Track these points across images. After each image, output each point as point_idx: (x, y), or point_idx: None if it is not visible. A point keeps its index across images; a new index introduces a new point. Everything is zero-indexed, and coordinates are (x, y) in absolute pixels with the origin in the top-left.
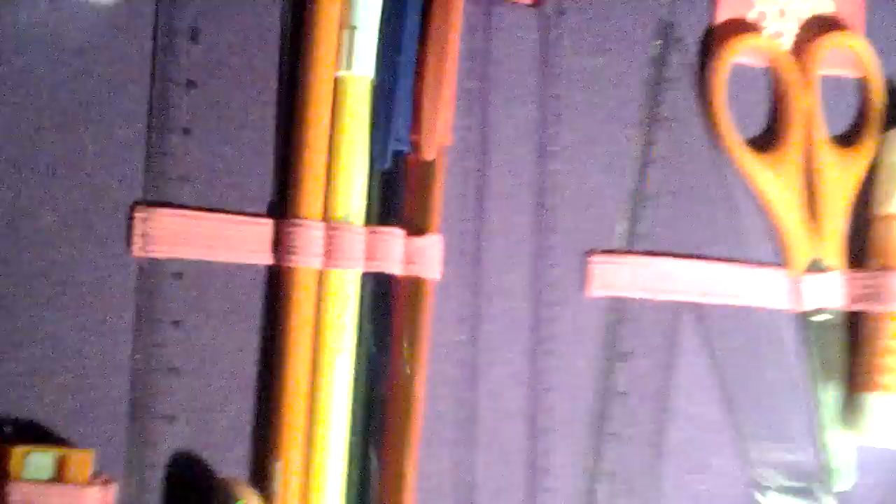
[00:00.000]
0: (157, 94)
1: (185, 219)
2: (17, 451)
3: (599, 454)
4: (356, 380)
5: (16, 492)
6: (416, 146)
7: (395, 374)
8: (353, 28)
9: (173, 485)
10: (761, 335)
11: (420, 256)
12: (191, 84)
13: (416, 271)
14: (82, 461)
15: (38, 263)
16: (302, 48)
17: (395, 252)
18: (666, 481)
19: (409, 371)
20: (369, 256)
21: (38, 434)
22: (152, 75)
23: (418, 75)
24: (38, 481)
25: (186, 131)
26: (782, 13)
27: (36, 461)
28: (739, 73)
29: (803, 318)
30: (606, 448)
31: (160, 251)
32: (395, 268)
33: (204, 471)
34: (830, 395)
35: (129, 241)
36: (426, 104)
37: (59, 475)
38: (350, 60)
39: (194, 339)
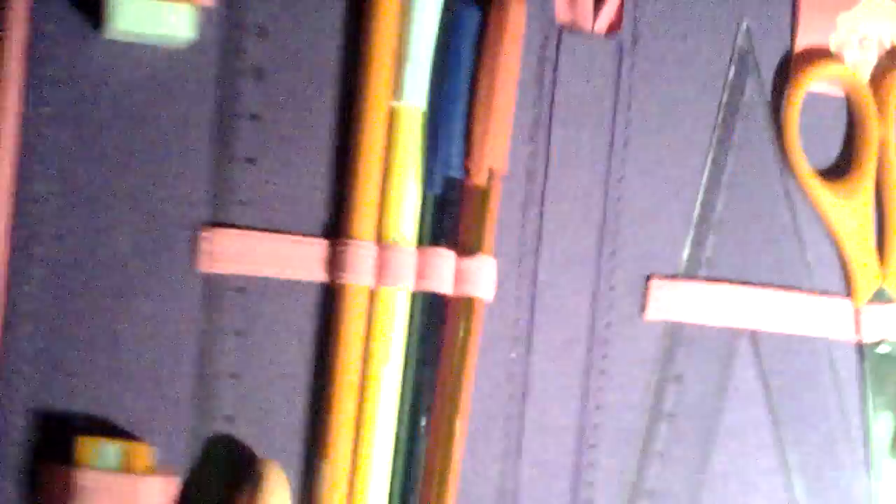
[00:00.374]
0: (223, 127)
1: (246, 239)
2: (87, 441)
3: (643, 472)
4: (404, 389)
5: (84, 478)
6: (469, 171)
7: (442, 386)
8: (406, 61)
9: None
10: (817, 364)
11: (470, 277)
12: (254, 118)
13: (466, 291)
14: (144, 454)
15: (115, 279)
16: (358, 80)
17: (445, 272)
18: (709, 502)
19: (454, 386)
20: (420, 276)
21: (113, 430)
22: (219, 111)
23: (472, 103)
24: (104, 470)
25: (250, 160)
26: (863, 41)
27: (103, 452)
28: (818, 100)
29: (863, 349)
30: (650, 466)
31: (223, 268)
32: (445, 287)
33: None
34: (884, 426)
35: (195, 258)
36: (476, 132)
37: (124, 465)
38: (402, 92)
39: (254, 348)
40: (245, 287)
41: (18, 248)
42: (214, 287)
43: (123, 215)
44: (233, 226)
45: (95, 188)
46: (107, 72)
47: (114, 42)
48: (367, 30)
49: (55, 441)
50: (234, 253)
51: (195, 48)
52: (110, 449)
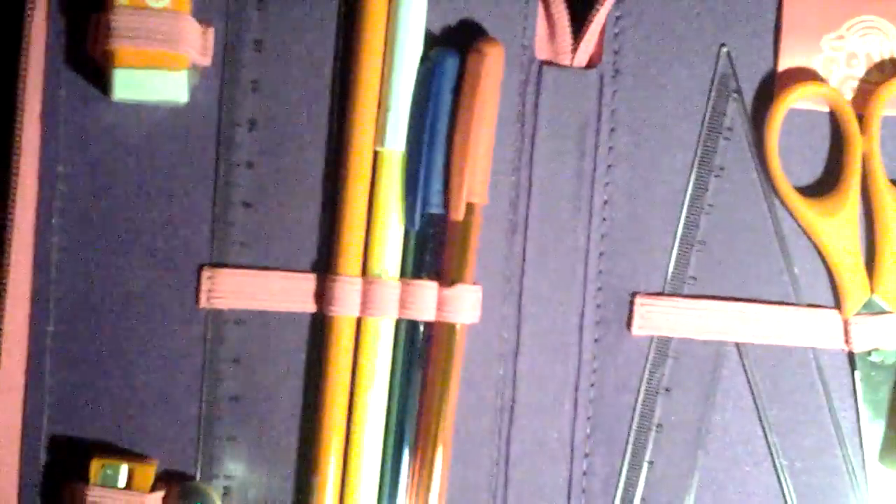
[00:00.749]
0: (221, 174)
1: (243, 276)
2: (95, 462)
3: (635, 480)
4: (391, 408)
5: (92, 495)
6: (448, 208)
7: (427, 405)
8: (388, 109)
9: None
10: (806, 373)
11: (452, 305)
12: (249, 165)
13: (448, 318)
14: (147, 472)
15: (126, 316)
16: (344, 128)
17: (427, 302)
18: None
19: (439, 405)
20: (403, 306)
21: (124, 451)
22: (217, 160)
23: (450, 143)
24: (110, 488)
25: (246, 204)
26: (851, 58)
27: (112, 471)
28: (803, 116)
29: (854, 358)
30: (641, 475)
31: (223, 303)
32: (427, 315)
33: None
34: (876, 434)
35: (198, 295)
36: (454, 171)
37: (128, 483)
38: (384, 137)
39: (251, 374)
40: (243, 320)
41: (39, 291)
42: (215, 321)
43: (133, 259)
44: (232, 265)
45: (106, 235)
46: (114, 130)
47: (120, 104)
48: (351, 81)
49: (76, 462)
50: (232, 289)
51: (195, 104)
52: (118, 469)
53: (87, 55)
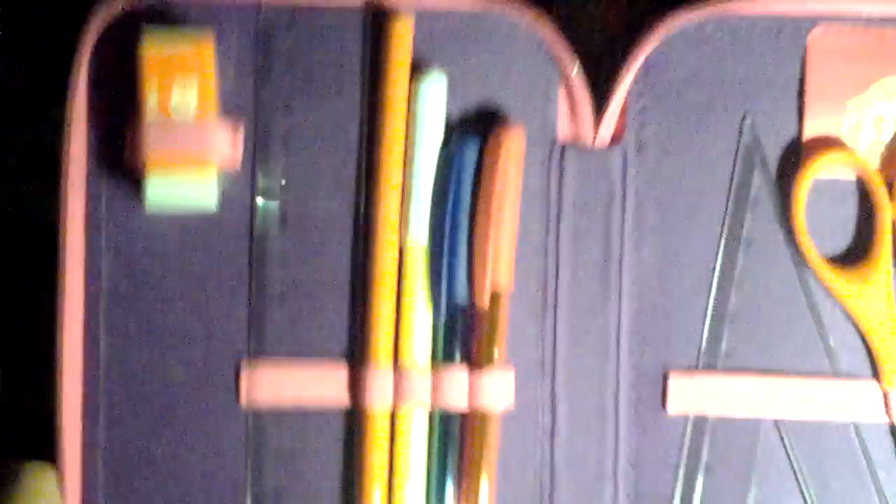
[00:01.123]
0: (255, 273)
1: (279, 371)
2: None
3: None
4: (429, 498)
5: None
6: (473, 297)
7: (464, 498)
8: (411, 202)
9: None
10: (848, 448)
11: (483, 391)
12: (283, 265)
13: (480, 404)
14: None
15: (171, 414)
16: (370, 221)
17: (458, 389)
18: None
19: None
20: (435, 394)
21: None
22: (250, 260)
23: (472, 231)
24: None
25: (280, 301)
26: (879, 122)
27: None
28: (830, 186)
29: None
30: None
31: (262, 399)
32: (459, 401)
33: None
34: None
35: (237, 392)
36: (477, 260)
37: None
38: (408, 230)
39: (292, 467)
40: (281, 414)
41: (89, 393)
42: (256, 416)
43: (175, 360)
44: (269, 361)
45: (148, 336)
46: (148, 237)
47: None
48: (374, 174)
49: None
50: (269, 384)
51: (229, 205)
52: None
53: (123, 163)
